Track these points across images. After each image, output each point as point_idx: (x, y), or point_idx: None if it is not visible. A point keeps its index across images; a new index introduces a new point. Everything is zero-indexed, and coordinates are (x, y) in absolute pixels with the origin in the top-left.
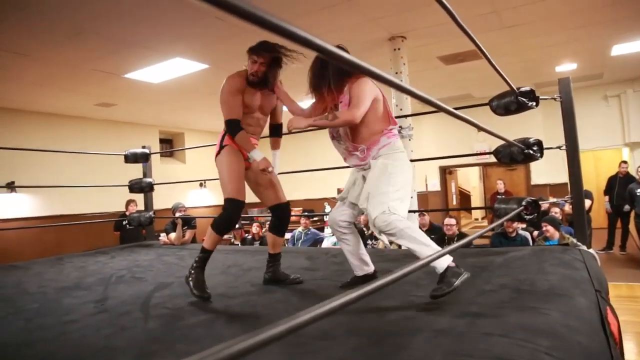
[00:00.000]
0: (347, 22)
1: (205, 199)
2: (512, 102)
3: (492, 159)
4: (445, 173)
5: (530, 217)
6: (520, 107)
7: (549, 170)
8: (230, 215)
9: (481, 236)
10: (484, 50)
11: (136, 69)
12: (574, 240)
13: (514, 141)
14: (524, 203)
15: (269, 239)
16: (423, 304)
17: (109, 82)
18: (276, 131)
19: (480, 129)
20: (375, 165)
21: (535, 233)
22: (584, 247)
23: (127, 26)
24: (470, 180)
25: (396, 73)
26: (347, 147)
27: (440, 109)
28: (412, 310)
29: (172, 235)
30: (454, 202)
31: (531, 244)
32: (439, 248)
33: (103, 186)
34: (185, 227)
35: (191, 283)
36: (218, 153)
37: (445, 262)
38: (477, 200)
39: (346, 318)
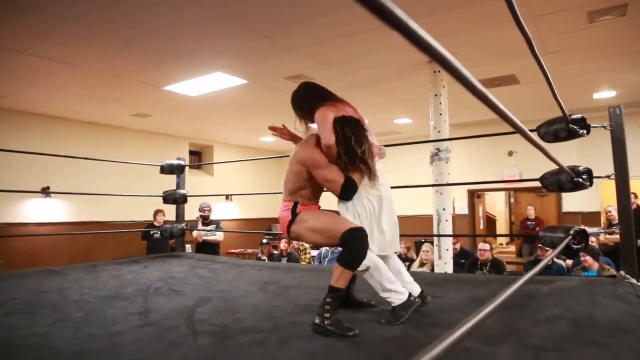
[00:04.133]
0: (390, 43)
1: (231, 212)
2: (562, 129)
3: (522, 184)
4: (474, 197)
5: (579, 246)
6: (571, 135)
7: (581, 198)
8: (361, 247)
9: (516, 263)
10: (548, 75)
11: (176, 81)
12: (622, 273)
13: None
14: (571, 232)
15: None
16: (475, 331)
17: (148, 93)
18: None
19: (548, 156)
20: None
21: (569, 262)
22: (634, 281)
23: (174, 40)
24: (496, 204)
25: (435, 95)
26: None
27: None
28: (467, 340)
29: (195, 232)
30: (481, 227)
31: (566, 273)
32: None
33: (137, 196)
34: (215, 227)
35: (330, 328)
36: (292, 222)
37: (400, 298)
38: (502, 225)
39: (393, 345)
